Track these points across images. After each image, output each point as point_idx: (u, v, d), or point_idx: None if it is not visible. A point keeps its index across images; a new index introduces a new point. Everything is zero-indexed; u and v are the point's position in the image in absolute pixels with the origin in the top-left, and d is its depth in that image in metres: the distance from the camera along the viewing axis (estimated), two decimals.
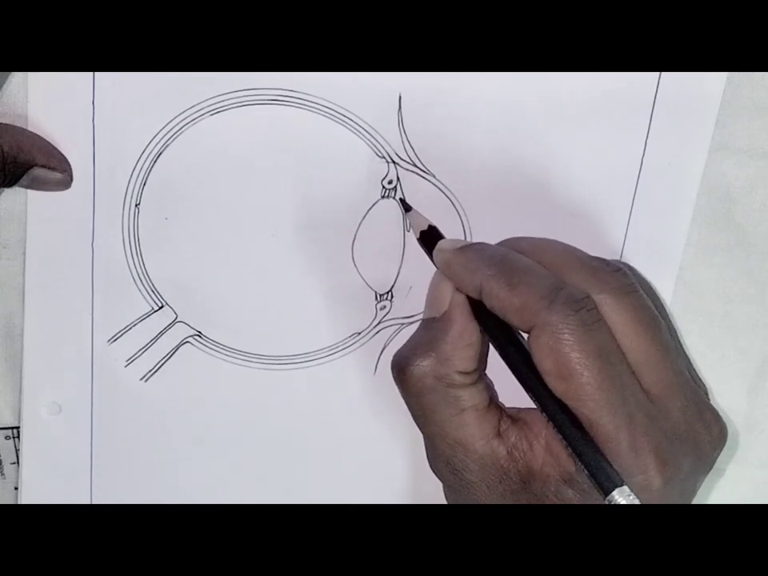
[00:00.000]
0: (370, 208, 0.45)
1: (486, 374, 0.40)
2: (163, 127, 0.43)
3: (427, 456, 0.41)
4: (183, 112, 0.43)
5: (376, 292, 0.46)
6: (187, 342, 0.47)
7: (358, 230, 0.45)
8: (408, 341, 0.40)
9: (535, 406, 0.38)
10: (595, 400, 0.36)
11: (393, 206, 0.45)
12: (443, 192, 0.45)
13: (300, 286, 0.46)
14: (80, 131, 0.42)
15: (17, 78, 0.41)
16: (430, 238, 0.41)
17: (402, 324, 0.47)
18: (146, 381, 0.47)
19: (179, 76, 0.42)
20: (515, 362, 0.38)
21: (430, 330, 0.39)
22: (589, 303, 0.37)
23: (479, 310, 0.39)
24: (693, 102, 0.43)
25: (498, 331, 0.38)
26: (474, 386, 0.39)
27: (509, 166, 0.44)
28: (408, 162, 0.44)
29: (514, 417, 0.40)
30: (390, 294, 0.46)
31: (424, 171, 0.44)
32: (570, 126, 0.44)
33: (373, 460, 0.49)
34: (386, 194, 0.45)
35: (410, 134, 0.44)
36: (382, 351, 0.47)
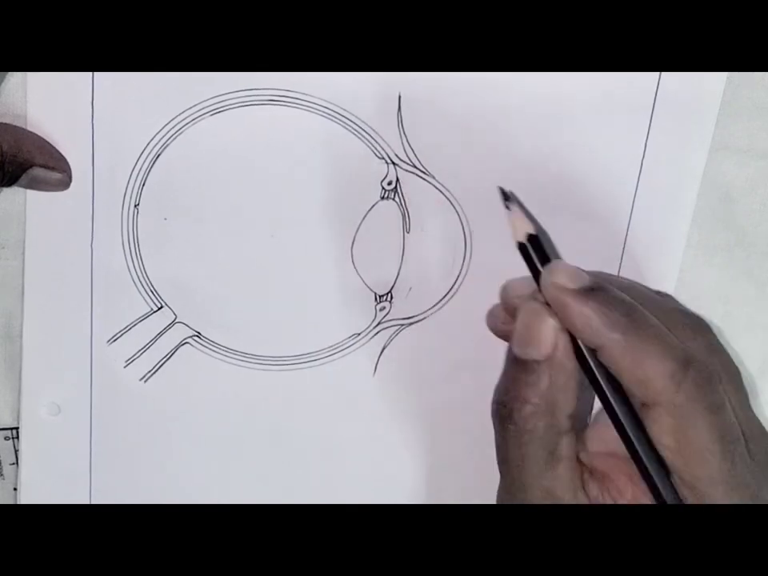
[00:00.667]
0: (370, 209, 0.45)
1: None
2: (163, 127, 0.43)
3: (503, 497, 0.38)
4: (183, 112, 0.43)
5: (375, 293, 0.46)
6: (186, 342, 0.47)
7: (357, 231, 0.45)
8: (508, 376, 0.37)
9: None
10: (713, 478, 0.35)
11: (392, 207, 0.45)
12: (443, 193, 0.45)
13: (299, 287, 0.46)
14: (79, 131, 0.42)
15: (16, 78, 0.41)
16: (530, 247, 0.36)
17: (402, 325, 0.47)
18: (146, 381, 0.47)
19: (179, 76, 0.42)
20: (623, 420, 0.36)
21: (534, 373, 0.36)
22: (715, 385, 0.35)
23: (581, 351, 0.35)
24: (693, 102, 0.43)
25: (605, 382, 0.36)
26: (572, 431, 0.37)
27: (509, 166, 0.44)
28: (407, 163, 0.44)
29: (591, 467, 0.38)
30: (389, 295, 0.46)
31: (424, 172, 0.44)
32: (570, 126, 0.44)
33: (372, 460, 0.49)
34: (386, 195, 0.45)
35: (410, 135, 0.44)
36: (381, 352, 0.47)
